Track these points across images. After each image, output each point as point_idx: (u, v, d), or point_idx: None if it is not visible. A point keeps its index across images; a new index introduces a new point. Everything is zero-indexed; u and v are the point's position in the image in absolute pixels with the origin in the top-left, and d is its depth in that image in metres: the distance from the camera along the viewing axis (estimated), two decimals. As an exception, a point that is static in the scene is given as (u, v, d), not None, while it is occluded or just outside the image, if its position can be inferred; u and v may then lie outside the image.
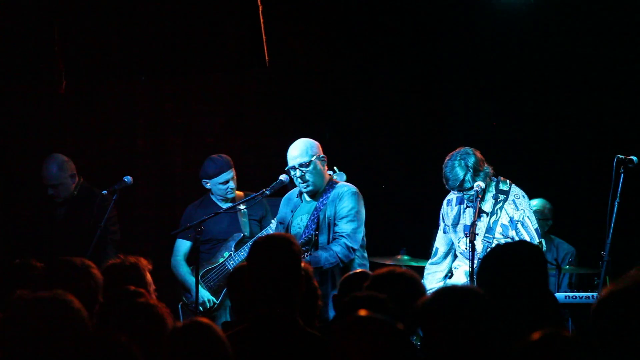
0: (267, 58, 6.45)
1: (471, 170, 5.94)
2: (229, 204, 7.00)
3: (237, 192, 7.12)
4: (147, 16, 6.51)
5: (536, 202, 7.59)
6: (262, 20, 6.39)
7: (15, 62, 6.86)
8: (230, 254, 6.93)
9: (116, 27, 6.52)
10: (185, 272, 7.04)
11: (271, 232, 6.59)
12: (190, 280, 6.91)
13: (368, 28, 8.24)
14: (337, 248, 6.03)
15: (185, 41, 6.59)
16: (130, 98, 8.32)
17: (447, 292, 3.16)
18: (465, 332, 3.01)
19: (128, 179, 6.81)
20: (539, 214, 7.57)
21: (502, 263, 3.79)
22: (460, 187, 6.00)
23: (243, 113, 8.47)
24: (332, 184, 6.29)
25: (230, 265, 6.89)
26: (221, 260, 6.95)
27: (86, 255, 6.32)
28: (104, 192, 6.74)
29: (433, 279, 6.40)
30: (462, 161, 5.96)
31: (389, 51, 8.26)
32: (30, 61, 6.83)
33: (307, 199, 6.31)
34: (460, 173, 5.94)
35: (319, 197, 6.25)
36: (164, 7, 6.51)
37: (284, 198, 6.49)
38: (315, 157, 6.22)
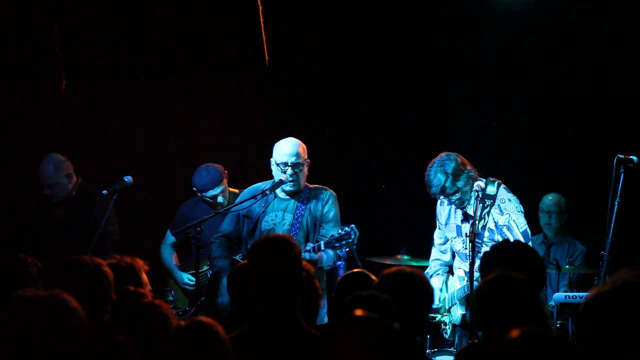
0: (267, 58, 6.45)
1: (450, 176, 5.99)
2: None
3: (233, 190, 7.11)
4: (147, 16, 6.51)
5: (551, 197, 7.60)
6: (262, 20, 6.39)
7: (15, 62, 6.86)
8: None
9: (116, 27, 6.53)
10: (168, 256, 7.24)
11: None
12: (171, 265, 7.22)
13: (368, 28, 8.23)
14: (331, 252, 6.12)
15: (186, 41, 6.59)
16: (130, 98, 8.31)
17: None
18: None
19: (128, 179, 6.81)
20: (556, 207, 7.56)
21: (502, 262, 3.81)
22: (442, 193, 6.06)
23: (243, 113, 8.46)
24: (306, 185, 6.34)
25: (210, 275, 6.91)
26: (205, 267, 6.95)
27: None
28: (104, 192, 6.73)
29: (435, 265, 6.45)
30: (441, 168, 6.03)
31: (389, 51, 8.25)
32: (30, 61, 6.83)
33: (282, 196, 6.32)
34: (441, 179, 6.01)
35: (297, 197, 6.28)
36: (164, 7, 6.52)
37: (246, 191, 6.45)
38: (305, 160, 6.27)
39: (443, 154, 6.10)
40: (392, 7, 8.14)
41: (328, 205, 6.24)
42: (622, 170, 6.12)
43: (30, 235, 7.31)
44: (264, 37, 6.41)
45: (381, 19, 8.19)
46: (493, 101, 8.00)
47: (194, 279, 7.00)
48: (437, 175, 6.01)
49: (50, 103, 7.81)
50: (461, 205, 6.10)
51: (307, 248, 6.01)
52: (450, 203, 6.23)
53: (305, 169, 6.28)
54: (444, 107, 8.23)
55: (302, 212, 6.21)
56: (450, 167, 6.00)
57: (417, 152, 8.16)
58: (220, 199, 7.01)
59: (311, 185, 6.35)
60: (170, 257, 7.21)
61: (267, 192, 6.39)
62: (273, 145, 6.30)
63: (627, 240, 6.82)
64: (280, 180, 6.38)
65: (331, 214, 6.22)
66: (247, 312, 4.03)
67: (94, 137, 8.19)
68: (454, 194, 6.04)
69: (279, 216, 6.29)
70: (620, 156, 6.13)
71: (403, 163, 8.23)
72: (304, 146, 6.33)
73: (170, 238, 7.26)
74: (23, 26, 6.70)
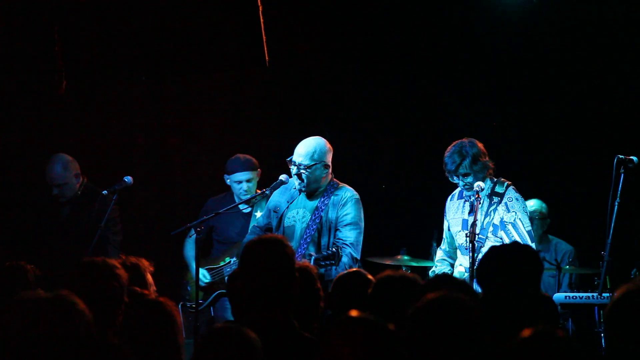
0: (267, 58, 6.45)
1: (470, 157, 6.08)
2: (247, 206, 7.03)
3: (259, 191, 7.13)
4: (147, 16, 6.51)
5: (533, 203, 7.60)
6: (262, 20, 6.39)
7: (16, 62, 6.86)
8: (230, 261, 6.94)
9: (116, 27, 6.53)
10: (190, 250, 7.18)
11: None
12: (190, 258, 7.12)
13: (368, 28, 8.23)
14: (344, 259, 6.01)
15: (185, 41, 6.59)
16: (130, 98, 8.31)
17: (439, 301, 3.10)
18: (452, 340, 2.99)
19: (128, 179, 6.80)
20: (538, 214, 7.58)
21: (500, 264, 3.79)
22: (456, 172, 6.10)
23: (243, 113, 8.46)
24: (333, 184, 6.27)
25: (226, 272, 6.95)
26: (222, 264, 6.99)
27: (86, 255, 6.33)
28: (104, 192, 6.73)
29: (441, 264, 6.48)
30: (463, 148, 6.10)
31: (389, 51, 8.25)
32: (30, 61, 6.83)
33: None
34: (458, 158, 6.08)
35: (319, 196, 6.24)
36: (164, 7, 6.52)
37: (281, 187, 6.45)
38: (319, 162, 6.19)
39: (466, 139, 6.17)
40: (392, 7, 8.14)
41: (345, 208, 6.15)
42: (622, 170, 6.12)
43: (34, 236, 7.31)
44: (264, 37, 6.41)
45: (381, 19, 8.19)
46: (493, 101, 8.00)
47: (208, 276, 7.00)
48: (456, 153, 6.10)
49: (50, 103, 7.80)
50: (470, 188, 6.15)
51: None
52: (460, 196, 6.30)
53: (319, 171, 6.18)
54: (444, 106, 8.23)
55: (320, 214, 6.17)
56: (473, 150, 6.10)
57: (417, 152, 8.17)
58: (245, 186, 7.03)
59: (340, 184, 6.28)
60: (190, 252, 7.21)
61: (266, 192, 6.40)
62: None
63: (627, 240, 6.82)
64: (280, 180, 6.39)
65: (348, 218, 6.13)
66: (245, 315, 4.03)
67: (94, 137, 8.18)
68: (466, 175, 6.11)
69: (300, 213, 6.26)
70: (620, 156, 6.14)
71: (403, 163, 8.23)
72: (324, 148, 6.22)
73: (194, 233, 7.25)
74: (23, 26, 6.70)
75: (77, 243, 6.82)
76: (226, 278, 6.90)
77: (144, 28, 6.55)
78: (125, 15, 6.56)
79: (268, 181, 6.53)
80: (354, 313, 2.90)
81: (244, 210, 7.05)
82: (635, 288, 2.92)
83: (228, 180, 7.13)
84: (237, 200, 7.09)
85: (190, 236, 7.20)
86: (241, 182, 7.05)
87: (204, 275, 7.02)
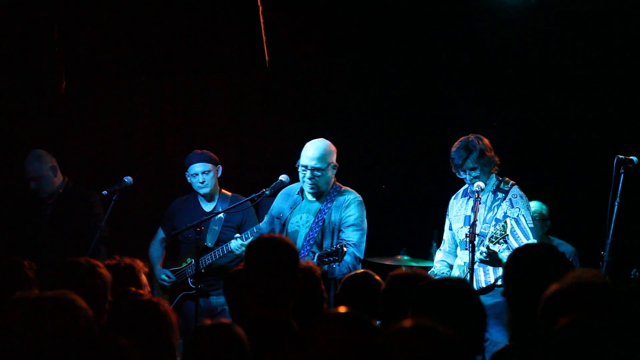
0: (267, 58, 6.46)
1: (477, 151, 6.17)
2: (213, 203, 7.00)
3: (225, 192, 7.10)
4: (147, 16, 6.52)
5: (533, 204, 7.60)
6: (262, 20, 6.39)
7: (16, 62, 6.87)
8: (192, 262, 6.91)
9: (116, 27, 6.53)
10: (153, 252, 7.18)
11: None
12: (154, 260, 7.10)
13: (368, 28, 8.23)
14: (347, 258, 6.03)
15: (185, 41, 6.60)
16: (130, 98, 8.31)
17: None
18: None
19: (128, 179, 6.81)
20: (538, 215, 7.59)
21: (528, 268, 3.73)
22: (463, 166, 6.18)
23: (243, 113, 8.46)
24: (336, 187, 6.29)
25: (188, 273, 6.94)
26: (184, 265, 6.98)
27: (85, 255, 6.33)
28: (104, 192, 6.74)
29: (441, 265, 6.50)
30: (470, 143, 6.19)
31: (389, 52, 8.25)
32: (30, 61, 6.84)
33: (310, 198, 6.30)
34: (464, 153, 6.17)
35: (322, 200, 6.24)
36: (164, 8, 6.52)
37: (281, 192, 6.46)
38: (330, 165, 6.22)
39: (472, 135, 6.26)
40: (393, 6, 8.14)
41: (348, 209, 6.18)
42: (622, 170, 6.13)
43: (21, 235, 7.32)
44: (264, 37, 6.41)
45: (381, 19, 8.18)
46: (493, 101, 8.00)
47: (172, 276, 7.00)
48: (461, 149, 6.19)
49: (50, 103, 7.81)
50: (475, 180, 6.20)
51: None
52: (464, 194, 6.36)
53: (329, 173, 6.22)
54: (444, 107, 8.22)
55: (323, 216, 6.18)
56: (479, 144, 6.20)
57: (417, 153, 8.17)
58: (200, 178, 6.96)
59: (342, 187, 6.31)
60: (155, 253, 7.19)
61: (266, 192, 6.39)
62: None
63: (627, 240, 6.82)
64: (281, 180, 6.38)
65: (351, 219, 6.16)
66: (244, 314, 4.02)
67: (94, 137, 8.18)
68: (473, 169, 6.18)
69: (304, 218, 6.28)
70: (620, 156, 6.15)
71: (403, 163, 8.23)
72: (332, 149, 6.27)
73: (160, 234, 7.24)
74: (23, 26, 6.70)
75: (60, 242, 6.83)
76: (189, 280, 6.92)
77: (144, 28, 6.56)
78: (125, 15, 6.56)
79: (268, 182, 6.53)
80: (342, 309, 2.91)
81: (204, 205, 7.02)
82: (562, 287, 2.94)
83: (189, 178, 7.06)
84: (200, 200, 7.08)
85: (155, 239, 7.22)
86: (197, 175, 6.97)
87: (168, 275, 7.02)
